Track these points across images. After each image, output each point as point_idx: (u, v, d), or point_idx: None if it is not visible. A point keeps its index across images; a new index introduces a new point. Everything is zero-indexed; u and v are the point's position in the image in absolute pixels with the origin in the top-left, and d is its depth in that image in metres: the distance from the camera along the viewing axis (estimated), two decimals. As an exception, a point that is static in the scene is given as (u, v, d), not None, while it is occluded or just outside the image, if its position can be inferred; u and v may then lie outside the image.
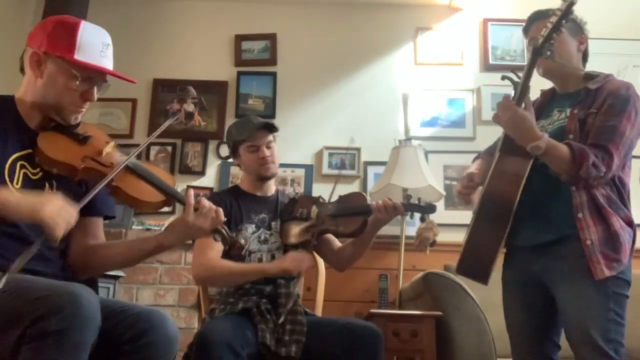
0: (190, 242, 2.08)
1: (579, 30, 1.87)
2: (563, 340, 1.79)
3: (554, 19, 1.61)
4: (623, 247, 1.68)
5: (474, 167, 1.98)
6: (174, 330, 1.42)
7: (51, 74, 1.49)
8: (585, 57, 1.92)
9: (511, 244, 1.84)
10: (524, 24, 1.95)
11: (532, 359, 1.84)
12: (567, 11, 1.59)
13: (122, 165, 1.48)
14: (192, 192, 1.55)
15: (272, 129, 2.24)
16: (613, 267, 1.65)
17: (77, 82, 1.49)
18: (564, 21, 1.61)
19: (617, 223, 1.69)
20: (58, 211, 1.27)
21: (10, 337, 1.17)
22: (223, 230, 1.58)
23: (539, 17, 1.88)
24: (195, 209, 1.52)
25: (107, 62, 1.54)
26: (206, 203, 1.54)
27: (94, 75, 1.52)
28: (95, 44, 1.52)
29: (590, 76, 1.87)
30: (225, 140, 2.36)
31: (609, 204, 1.71)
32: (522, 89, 1.68)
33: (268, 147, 2.21)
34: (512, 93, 1.76)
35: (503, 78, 1.79)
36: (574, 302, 1.69)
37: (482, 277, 1.80)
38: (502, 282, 1.92)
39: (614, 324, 1.63)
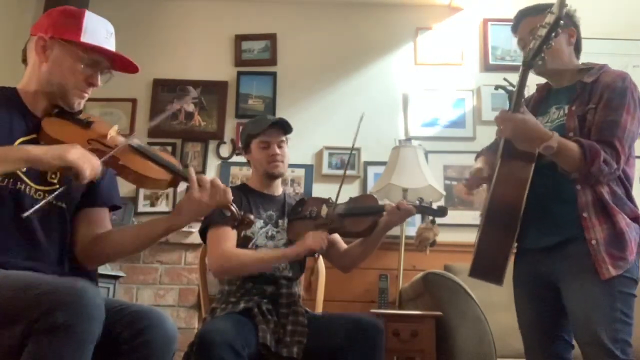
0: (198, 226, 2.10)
1: (568, 22, 1.82)
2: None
3: (542, 31, 1.58)
4: (629, 245, 1.67)
5: (479, 163, 1.98)
6: (172, 329, 1.42)
7: (57, 57, 1.51)
8: (578, 49, 1.89)
9: (521, 245, 1.84)
10: None
11: (543, 358, 1.84)
12: (555, 25, 1.56)
13: (128, 141, 1.51)
14: (192, 169, 1.57)
15: (286, 128, 2.25)
16: (619, 265, 1.64)
17: (82, 65, 1.51)
18: (552, 34, 1.58)
19: (623, 221, 1.68)
20: (83, 155, 1.35)
21: (16, 331, 1.18)
22: (231, 206, 1.59)
23: (526, 14, 1.87)
24: (199, 185, 1.53)
25: (111, 48, 1.58)
26: (208, 179, 1.55)
27: (99, 58, 1.55)
28: (100, 31, 1.56)
29: (584, 68, 1.85)
30: (240, 134, 2.37)
31: (614, 201, 1.70)
32: (517, 99, 1.66)
33: (279, 147, 2.23)
34: (507, 104, 1.74)
35: (497, 88, 1.78)
36: (580, 302, 1.68)
37: (495, 279, 1.80)
38: (513, 281, 1.92)
39: (621, 324, 1.62)
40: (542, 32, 1.58)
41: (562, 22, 1.57)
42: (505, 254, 1.78)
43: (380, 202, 2.23)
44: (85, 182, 1.37)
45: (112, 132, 1.56)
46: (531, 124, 1.66)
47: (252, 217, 1.61)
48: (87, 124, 1.55)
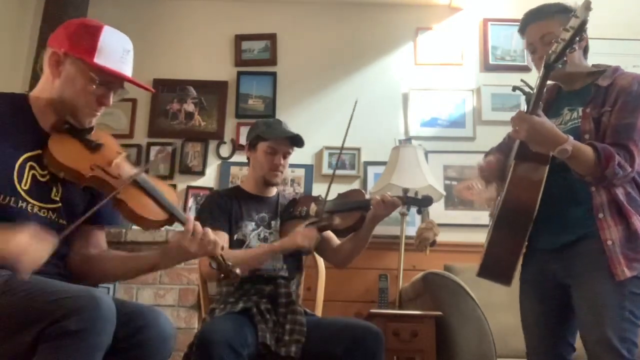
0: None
1: None
2: (578, 342, 1.78)
3: (565, 35, 1.57)
4: None
5: (490, 157, 1.97)
6: (169, 327, 1.41)
7: (69, 74, 1.49)
8: (585, 50, 1.89)
9: (531, 246, 1.84)
10: None
11: (545, 358, 1.83)
12: (580, 29, 1.55)
13: (133, 177, 1.47)
14: (192, 218, 1.54)
15: (298, 144, 2.28)
16: (634, 267, 1.64)
17: (95, 86, 1.49)
18: (577, 39, 1.57)
19: (638, 222, 1.67)
20: (29, 245, 1.23)
21: (27, 336, 1.18)
22: (220, 258, 1.56)
23: (534, 19, 1.85)
24: (192, 235, 1.50)
25: (126, 69, 1.55)
26: (201, 230, 1.51)
27: (112, 80, 1.52)
28: (116, 49, 1.52)
29: (596, 71, 1.84)
30: (249, 130, 2.34)
31: (629, 202, 1.69)
32: (536, 101, 1.66)
33: (284, 157, 2.25)
34: (525, 105, 1.72)
35: (514, 89, 1.76)
36: (590, 300, 1.68)
37: (505, 279, 1.80)
38: (520, 281, 1.91)
39: (629, 324, 1.62)
40: (566, 35, 1.56)
41: (586, 24, 1.56)
42: (516, 255, 1.78)
43: (368, 196, 2.25)
44: (26, 277, 1.22)
45: (119, 160, 1.52)
46: (547, 127, 1.65)
47: (238, 272, 1.58)
48: (95, 147, 1.51)
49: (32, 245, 1.25)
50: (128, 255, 1.66)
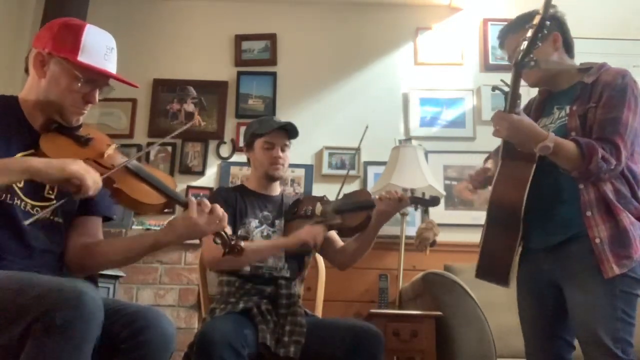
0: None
1: (552, 27, 1.79)
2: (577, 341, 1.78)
3: (529, 32, 1.60)
4: (633, 243, 1.65)
5: (487, 164, 1.99)
6: (170, 328, 1.42)
7: (54, 74, 1.50)
8: (568, 50, 1.89)
9: (525, 246, 1.84)
10: None
11: (543, 357, 1.84)
12: (540, 26, 1.57)
13: (124, 163, 1.49)
14: (192, 197, 1.56)
15: (292, 133, 2.27)
16: (623, 264, 1.63)
17: (79, 84, 1.50)
18: (539, 35, 1.60)
19: (627, 219, 1.66)
20: (85, 168, 1.33)
21: (15, 332, 1.18)
22: (223, 233, 1.57)
23: (508, 31, 1.89)
24: (199, 206, 1.51)
25: (110, 66, 1.56)
26: (209, 204, 1.53)
27: (96, 77, 1.53)
28: (99, 47, 1.53)
29: (583, 69, 1.85)
30: (244, 132, 2.37)
31: (618, 199, 1.69)
32: (512, 98, 1.67)
33: (282, 150, 2.25)
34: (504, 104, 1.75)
35: (494, 89, 1.77)
36: (581, 301, 1.68)
37: (502, 280, 1.80)
38: (517, 280, 1.91)
39: (622, 323, 1.62)
40: (530, 33, 1.60)
41: (547, 22, 1.58)
42: (509, 255, 1.78)
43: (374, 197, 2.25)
44: (87, 195, 1.34)
45: (110, 151, 1.54)
46: (526, 124, 1.67)
47: (243, 244, 1.59)
48: (85, 142, 1.53)
49: (90, 169, 1.35)
50: (129, 238, 1.67)
